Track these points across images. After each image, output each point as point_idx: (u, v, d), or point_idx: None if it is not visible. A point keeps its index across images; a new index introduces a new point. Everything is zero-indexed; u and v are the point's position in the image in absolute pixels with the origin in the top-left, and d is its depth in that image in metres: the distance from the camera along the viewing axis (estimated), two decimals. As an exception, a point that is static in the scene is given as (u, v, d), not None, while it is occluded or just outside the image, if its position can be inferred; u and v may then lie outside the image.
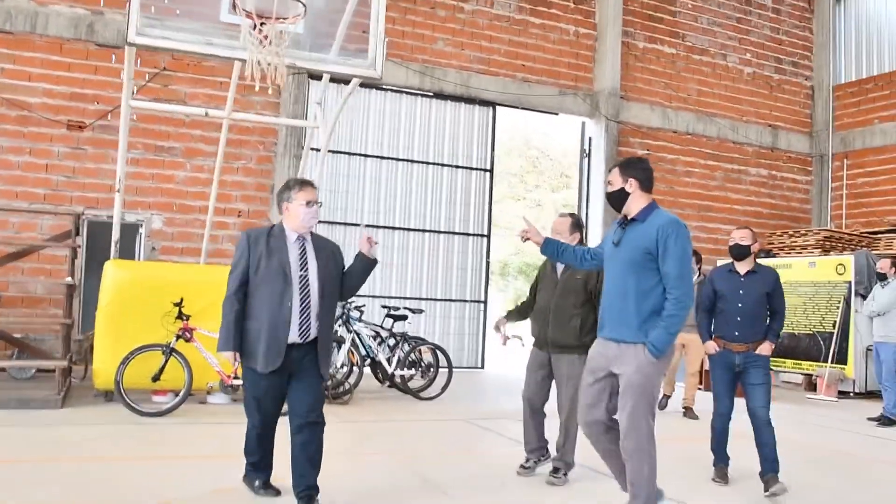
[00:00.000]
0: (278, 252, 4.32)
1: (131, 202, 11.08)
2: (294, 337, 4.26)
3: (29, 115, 10.80)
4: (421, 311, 10.38)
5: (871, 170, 15.72)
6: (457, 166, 13.18)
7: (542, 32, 13.83)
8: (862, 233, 14.07)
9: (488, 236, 13.42)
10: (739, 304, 5.58)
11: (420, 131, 12.94)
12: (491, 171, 13.56)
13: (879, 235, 13.77)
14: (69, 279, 8.52)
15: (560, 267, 5.45)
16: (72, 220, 8.79)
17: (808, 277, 12.28)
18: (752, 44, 15.95)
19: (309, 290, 4.31)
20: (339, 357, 8.86)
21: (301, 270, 4.33)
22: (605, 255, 4.30)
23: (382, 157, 12.64)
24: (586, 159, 14.46)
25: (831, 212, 16.40)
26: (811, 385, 11.80)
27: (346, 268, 4.59)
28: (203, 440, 6.62)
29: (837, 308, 11.67)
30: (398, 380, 9.29)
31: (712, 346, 5.64)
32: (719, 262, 7.99)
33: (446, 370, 9.59)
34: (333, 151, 12.09)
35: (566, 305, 5.33)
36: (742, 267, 5.70)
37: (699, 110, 15.24)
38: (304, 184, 4.44)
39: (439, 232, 12.99)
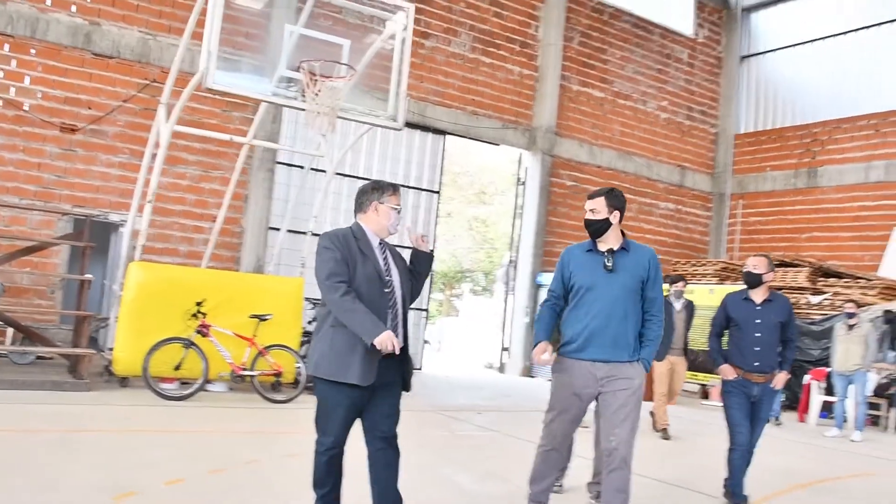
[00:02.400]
0: (370, 255, 4.05)
1: (116, 203, 12.25)
2: None
3: (24, 116, 11.81)
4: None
5: (761, 210, 18.37)
6: (409, 187, 14.85)
7: (491, 71, 15.73)
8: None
9: (431, 251, 15.13)
10: (757, 334, 5.59)
11: (379, 153, 14.54)
12: (438, 192, 15.32)
13: (766, 269, 16.31)
14: (88, 276, 9.75)
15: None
16: (85, 222, 10.05)
17: (708, 302, 14.59)
18: (669, 92, 18.39)
19: (395, 298, 4.07)
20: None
21: (387, 275, 4.07)
22: (590, 280, 4.35)
23: (344, 175, 14.16)
24: (521, 187, 16.43)
25: (726, 245, 19.01)
26: (705, 393, 14.11)
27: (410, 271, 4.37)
28: (219, 420, 8.13)
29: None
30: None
31: (730, 370, 5.62)
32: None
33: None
34: (296, 166, 13.50)
35: None
36: (757, 295, 5.71)
37: (620, 149, 17.50)
38: (397, 188, 4.26)
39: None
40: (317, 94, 7.37)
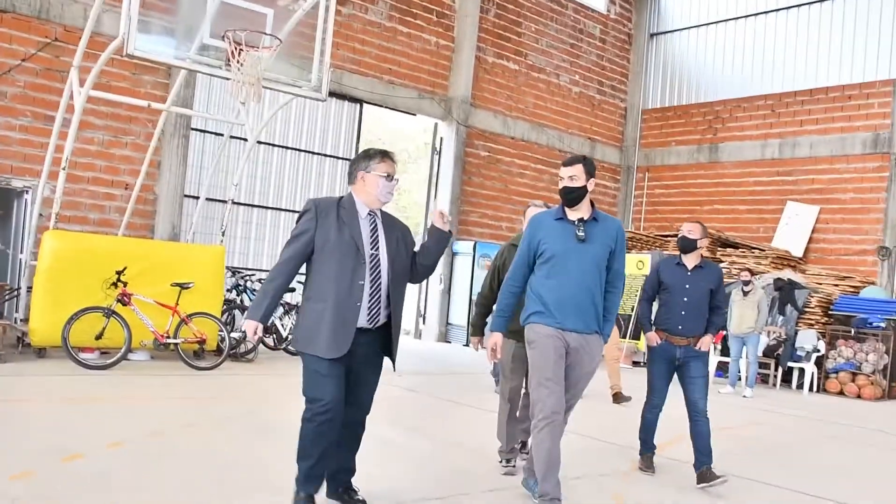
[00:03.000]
0: (350, 225, 4.00)
1: (19, 169, 11.99)
2: (362, 321, 4.01)
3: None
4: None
5: (666, 183, 19.30)
6: (325, 155, 15.02)
7: (408, 41, 15.96)
8: (656, 235, 17.45)
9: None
10: (685, 298, 5.69)
11: (296, 120, 14.63)
12: (355, 161, 15.54)
13: (670, 239, 17.21)
14: (1, 247, 9.66)
15: None
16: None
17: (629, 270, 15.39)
18: (581, 67, 19.03)
19: (380, 271, 4.03)
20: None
21: (372, 248, 4.01)
22: (562, 249, 4.38)
23: (259, 142, 14.19)
24: (437, 156, 16.81)
25: (633, 216, 19.90)
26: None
27: (420, 245, 4.35)
28: (147, 387, 8.31)
29: (636, 296, 14.83)
30: (290, 343, 11.21)
31: (654, 337, 5.75)
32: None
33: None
34: (215, 134, 13.51)
35: None
36: (689, 261, 5.81)
37: (534, 121, 18.06)
38: (386, 155, 4.14)
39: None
40: (241, 64, 7.54)
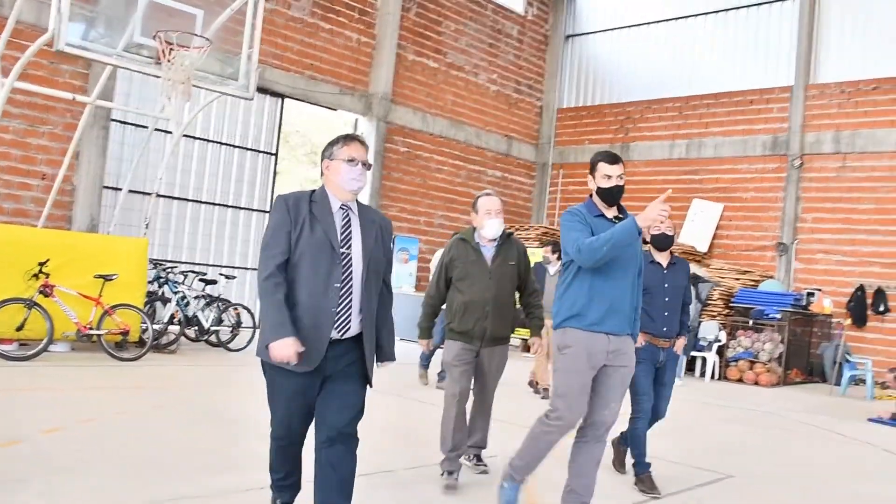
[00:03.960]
0: (323, 221, 3.60)
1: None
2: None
3: None
4: (233, 277, 12.52)
5: (580, 180, 20.08)
6: (247, 148, 15.21)
7: (330, 37, 16.26)
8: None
9: (269, 212, 15.65)
10: (666, 298, 5.56)
11: (216, 113, 14.77)
12: (276, 154, 15.79)
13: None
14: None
15: (488, 253, 5.33)
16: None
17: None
18: (499, 66, 19.65)
19: (351, 272, 3.60)
20: (166, 313, 10.88)
21: (343, 247, 3.60)
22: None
23: (183, 136, 14.30)
24: (357, 151, 17.15)
25: (547, 211, 20.66)
26: (526, 347, 15.61)
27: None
28: (72, 378, 8.50)
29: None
30: (212, 335, 11.45)
31: (639, 339, 5.37)
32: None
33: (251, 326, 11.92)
34: (136, 125, 13.57)
35: (505, 295, 5.33)
36: (664, 258, 5.65)
37: (452, 118, 18.59)
38: (350, 138, 3.78)
39: (227, 206, 14.97)
40: (171, 63, 7.78)
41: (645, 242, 5.05)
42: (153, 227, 13.26)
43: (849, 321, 15.16)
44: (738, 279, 15.88)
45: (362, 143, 3.81)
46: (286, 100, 15.76)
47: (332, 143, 3.78)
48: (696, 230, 17.80)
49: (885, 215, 15.38)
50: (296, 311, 3.50)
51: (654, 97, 18.95)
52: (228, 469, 5.12)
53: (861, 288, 15.46)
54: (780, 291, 15.26)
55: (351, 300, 3.60)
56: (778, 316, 14.21)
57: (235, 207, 15.10)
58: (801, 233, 16.60)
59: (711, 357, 13.76)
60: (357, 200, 3.80)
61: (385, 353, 3.87)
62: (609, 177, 4.28)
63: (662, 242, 5.63)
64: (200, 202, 14.61)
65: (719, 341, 14.02)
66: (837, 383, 13.59)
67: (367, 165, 3.74)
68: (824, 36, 16.85)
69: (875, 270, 15.47)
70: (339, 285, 3.55)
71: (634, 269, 4.30)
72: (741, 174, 17.61)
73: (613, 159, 4.33)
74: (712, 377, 13.73)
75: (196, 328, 11.45)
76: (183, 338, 11.14)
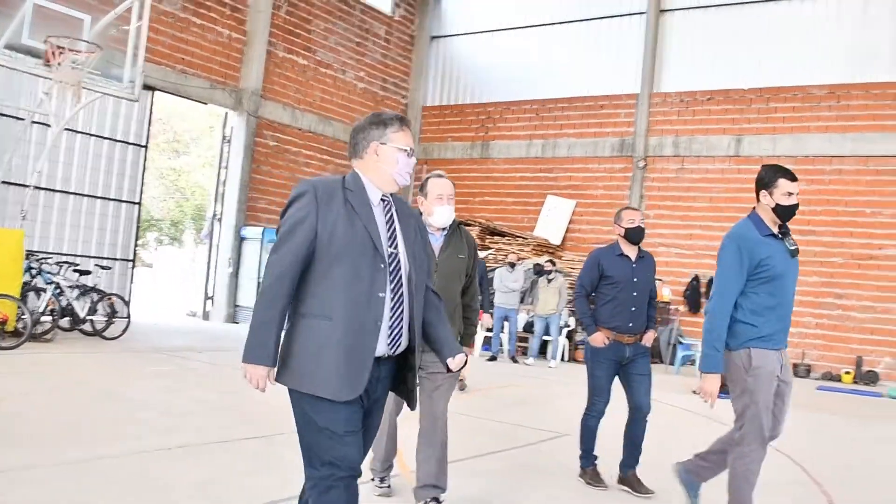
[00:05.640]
0: (362, 215, 3.03)
1: None
2: (381, 347, 3.01)
3: None
4: (109, 268, 13.07)
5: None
6: (117, 140, 15.65)
7: (202, 32, 16.88)
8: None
9: (139, 203, 16.22)
10: (634, 293, 5.43)
11: (87, 106, 15.13)
12: (146, 147, 16.29)
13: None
14: None
15: (436, 243, 4.68)
16: None
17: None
18: (366, 64, 20.75)
19: (401, 277, 3.07)
20: (41, 303, 11.41)
21: (391, 246, 3.07)
22: (782, 267, 4.23)
23: (46, 125, 14.63)
24: (227, 145, 17.87)
25: (411, 206, 21.84)
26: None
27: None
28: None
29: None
30: (86, 324, 12.03)
31: (601, 338, 5.39)
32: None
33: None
34: (8, 117, 13.82)
35: (452, 293, 4.67)
36: (632, 252, 5.51)
37: (321, 113, 19.55)
38: (404, 122, 3.22)
39: (96, 197, 15.38)
40: (59, 65, 8.42)
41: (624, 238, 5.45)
42: (34, 218, 13.61)
43: (684, 307, 17.20)
44: (586, 270, 17.60)
45: (411, 128, 3.28)
46: (157, 93, 16.27)
47: (384, 123, 3.18)
48: (551, 224, 19.48)
49: (718, 212, 17.43)
50: (330, 326, 2.91)
51: (513, 99, 20.52)
52: (138, 436, 6.04)
53: (696, 278, 17.53)
54: (623, 281, 17.10)
55: (403, 309, 3.06)
56: (620, 304, 16.01)
57: (106, 199, 15.54)
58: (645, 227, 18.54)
59: (561, 341, 15.38)
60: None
61: (453, 347, 3.30)
62: (791, 194, 4.23)
63: (637, 236, 5.46)
64: (68, 193, 14.94)
65: (569, 326, 15.67)
66: (672, 363, 15.52)
67: (415, 158, 3.25)
68: (667, 49, 18.82)
69: (708, 262, 17.48)
70: (383, 294, 2.99)
71: (795, 283, 4.36)
72: (592, 173, 19.41)
73: (794, 176, 4.29)
74: (562, 359, 15.36)
75: (70, 318, 11.98)
76: (57, 328, 11.66)
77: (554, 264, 15.23)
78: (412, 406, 3.25)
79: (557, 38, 20.22)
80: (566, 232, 19.41)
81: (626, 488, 5.46)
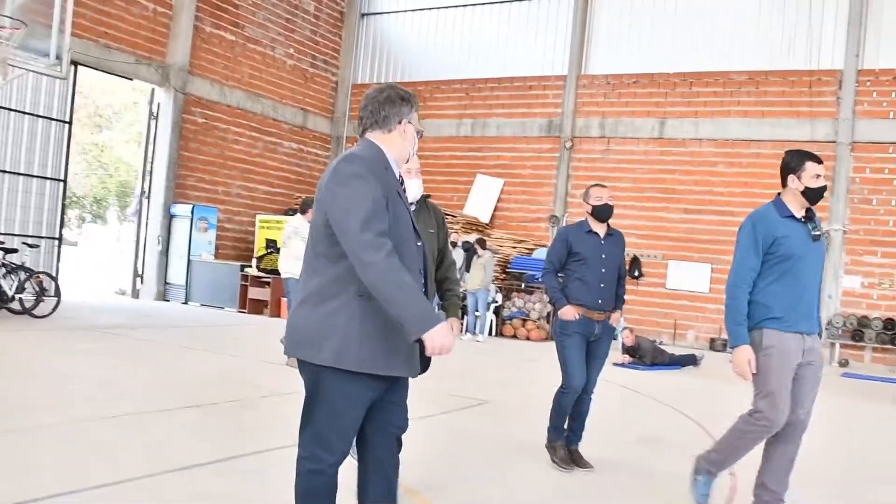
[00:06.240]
0: (402, 194, 3.10)
1: None
2: None
3: None
4: (36, 247, 13.03)
5: (373, 154, 21.72)
6: (39, 116, 15.48)
7: (125, 5, 16.70)
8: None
9: (64, 180, 16.10)
10: (603, 270, 5.51)
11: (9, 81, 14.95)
12: (70, 122, 16.15)
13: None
14: None
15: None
16: None
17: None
18: (296, 41, 20.80)
19: (425, 254, 3.20)
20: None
21: (415, 227, 3.16)
22: (801, 249, 4.29)
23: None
24: (154, 122, 17.79)
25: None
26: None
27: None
28: None
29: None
30: (15, 302, 12.01)
31: (572, 311, 5.45)
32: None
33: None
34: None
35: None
36: (601, 229, 5.60)
37: (249, 90, 19.56)
38: (417, 103, 3.26)
39: (19, 174, 15.22)
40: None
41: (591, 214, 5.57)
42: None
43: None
44: (514, 248, 18.16)
45: None
46: (80, 67, 16.10)
47: (409, 102, 3.18)
48: (479, 203, 19.92)
49: (641, 192, 18.11)
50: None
51: (443, 78, 20.84)
52: (79, 407, 6.25)
53: (619, 256, 18.17)
54: (550, 259, 17.68)
55: (427, 285, 3.20)
56: (547, 280, 16.59)
57: (29, 176, 15.39)
58: (571, 207, 19.09)
59: (489, 316, 15.88)
60: None
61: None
62: (819, 176, 4.33)
63: (605, 213, 5.56)
64: (-10, 169, 14.80)
65: (496, 302, 16.18)
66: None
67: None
68: (595, 32, 19.37)
69: (632, 241, 18.10)
70: (421, 271, 3.10)
71: (821, 268, 4.45)
72: (520, 153, 19.89)
73: (819, 159, 4.40)
74: (490, 333, 15.87)
75: (-2, 296, 11.96)
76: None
77: (484, 242, 15.65)
78: (425, 367, 3.17)
79: (488, 19, 20.58)
80: (495, 210, 19.89)
81: (578, 468, 5.54)
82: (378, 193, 2.86)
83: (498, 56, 20.32)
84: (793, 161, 4.38)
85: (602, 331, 5.55)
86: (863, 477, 6.24)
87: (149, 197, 17.88)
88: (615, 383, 10.35)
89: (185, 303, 17.38)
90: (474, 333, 15.26)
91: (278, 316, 15.75)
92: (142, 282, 17.92)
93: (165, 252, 17.75)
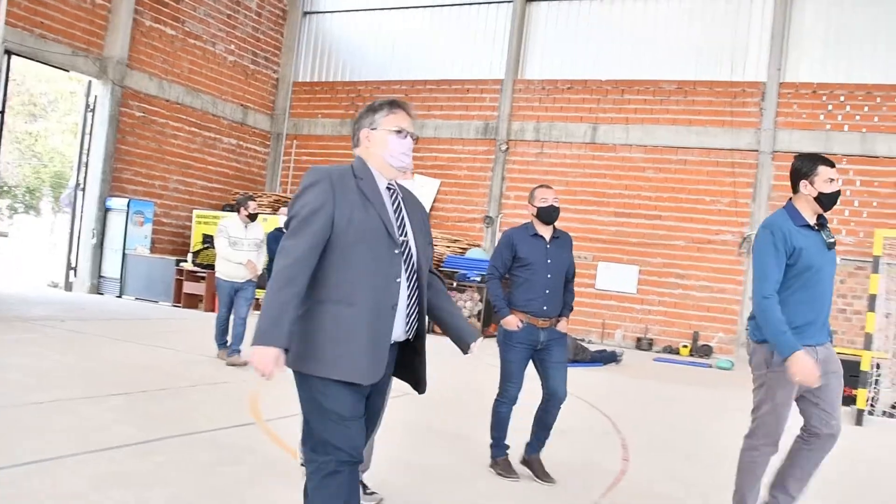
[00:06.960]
0: (375, 202, 3.15)
1: None
2: (398, 332, 3.19)
3: None
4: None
5: (312, 151, 22.01)
6: (-28, 105, 15.49)
7: (64, -4, 16.76)
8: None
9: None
10: (549, 275, 5.33)
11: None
12: (2, 113, 16.13)
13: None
14: None
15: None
16: None
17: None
18: (237, 37, 20.99)
19: (414, 263, 3.21)
20: None
21: (401, 234, 3.20)
22: (818, 260, 4.16)
23: None
24: (90, 114, 17.84)
25: (280, 179, 22.39)
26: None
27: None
28: None
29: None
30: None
31: (515, 321, 5.28)
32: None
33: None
34: None
35: None
36: (547, 232, 5.42)
37: (189, 85, 19.70)
38: (396, 105, 3.32)
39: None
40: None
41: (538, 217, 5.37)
42: None
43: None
44: (448, 247, 18.63)
45: (409, 111, 3.36)
46: (13, 57, 16.10)
47: (371, 110, 3.32)
48: (417, 203, 20.32)
49: (573, 196, 18.70)
50: (354, 311, 3.03)
51: (383, 78, 21.23)
52: (8, 394, 6.52)
53: (550, 257, 18.76)
54: (481, 258, 18.20)
55: (417, 295, 3.24)
56: (477, 279, 17.10)
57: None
58: (505, 208, 19.65)
59: (422, 315, 16.31)
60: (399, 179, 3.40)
61: (471, 332, 3.63)
62: (832, 180, 4.20)
63: (551, 215, 5.39)
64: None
65: (429, 301, 16.61)
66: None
67: (415, 138, 3.32)
68: (531, 39, 19.94)
69: (563, 243, 18.82)
70: (400, 280, 3.13)
71: (832, 276, 4.30)
72: (457, 154, 20.38)
73: (832, 163, 4.27)
74: (427, 331, 16.28)
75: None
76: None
77: None
78: (421, 390, 3.40)
79: (428, 22, 21.04)
80: (431, 210, 20.33)
81: (527, 470, 5.47)
82: (318, 203, 3.00)
83: (437, 59, 20.78)
84: (804, 166, 4.28)
85: (549, 337, 5.35)
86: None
87: (84, 189, 17.92)
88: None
89: (120, 296, 17.49)
90: None
91: (213, 311, 15.97)
92: (75, 274, 17.95)
93: (100, 245, 17.82)
